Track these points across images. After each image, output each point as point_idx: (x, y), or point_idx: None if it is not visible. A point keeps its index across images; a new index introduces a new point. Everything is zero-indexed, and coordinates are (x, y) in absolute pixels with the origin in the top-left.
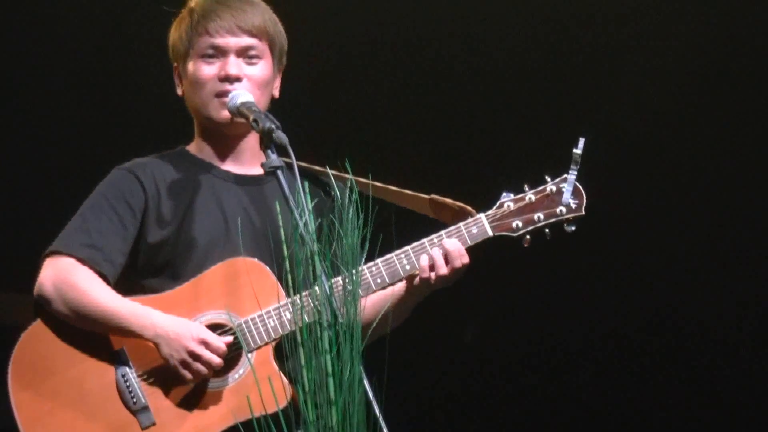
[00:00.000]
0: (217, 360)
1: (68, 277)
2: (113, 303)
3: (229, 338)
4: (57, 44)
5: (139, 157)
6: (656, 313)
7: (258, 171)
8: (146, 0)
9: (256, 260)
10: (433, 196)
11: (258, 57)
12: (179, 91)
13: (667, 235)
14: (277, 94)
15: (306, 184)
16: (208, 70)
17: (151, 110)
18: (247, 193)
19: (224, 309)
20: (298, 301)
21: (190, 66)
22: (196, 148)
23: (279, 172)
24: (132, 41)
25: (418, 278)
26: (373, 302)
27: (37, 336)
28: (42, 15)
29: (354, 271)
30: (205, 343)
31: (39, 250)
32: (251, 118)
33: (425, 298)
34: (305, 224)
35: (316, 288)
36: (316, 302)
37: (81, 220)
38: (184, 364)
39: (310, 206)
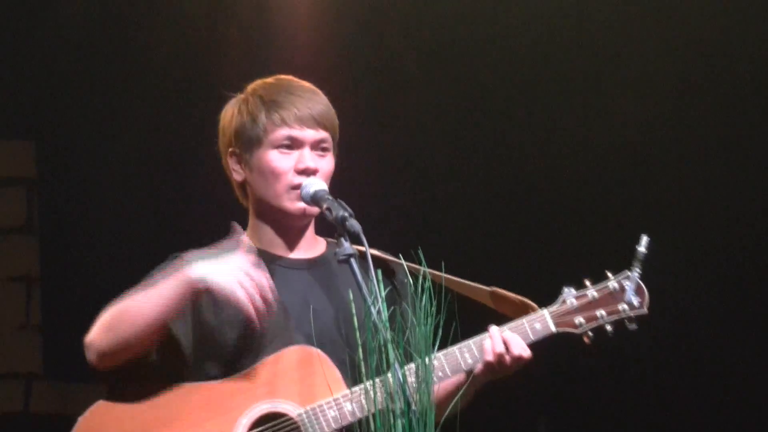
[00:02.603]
0: (264, 281)
1: (105, 314)
2: (151, 288)
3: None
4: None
5: (195, 249)
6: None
7: (317, 252)
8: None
9: (318, 350)
10: (494, 288)
11: (328, 149)
12: (238, 177)
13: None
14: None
15: (379, 272)
16: (285, 162)
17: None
18: (306, 277)
19: (285, 398)
20: (371, 388)
21: (263, 156)
22: (252, 237)
23: (352, 260)
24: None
25: (479, 366)
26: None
27: (98, 414)
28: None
29: (428, 359)
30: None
31: None
32: (325, 206)
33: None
34: (378, 312)
35: (388, 376)
36: (389, 389)
37: (131, 300)
38: (240, 283)
39: (383, 294)
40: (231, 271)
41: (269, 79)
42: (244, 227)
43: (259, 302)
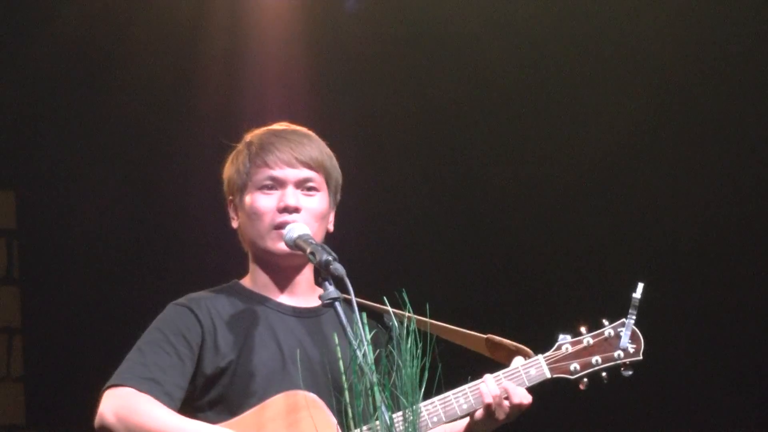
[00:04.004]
0: None
1: (129, 403)
2: (178, 423)
3: None
4: (107, 186)
5: (193, 292)
6: None
7: (313, 303)
8: (195, 136)
9: (313, 396)
10: (489, 335)
11: (315, 189)
12: (234, 224)
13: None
14: (331, 228)
15: (363, 315)
16: (267, 201)
17: (204, 245)
18: (304, 325)
19: None
20: None
21: (248, 198)
22: (250, 281)
23: (336, 304)
24: (178, 173)
25: (479, 412)
26: None
27: None
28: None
29: (413, 402)
30: None
31: (95, 388)
32: (308, 250)
33: None
34: (364, 355)
35: (377, 422)
36: None
37: (139, 355)
38: None
39: (368, 337)
40: None
41: (264, 127)
42: (245, 272)
43: None
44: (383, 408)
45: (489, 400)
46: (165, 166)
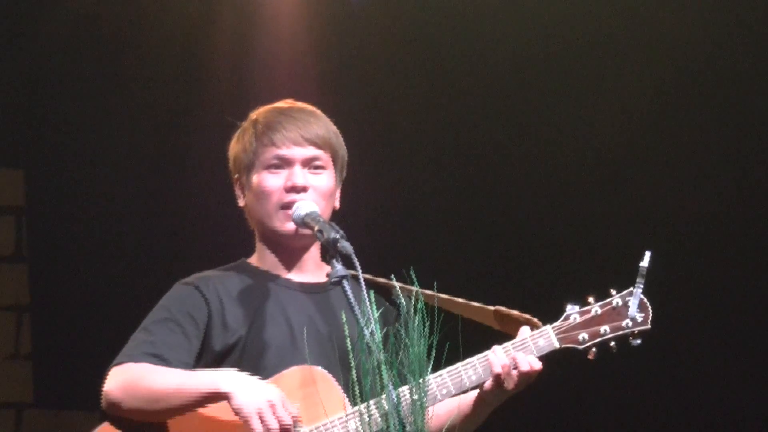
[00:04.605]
0: (288, 420)
1: (133, 373)
2: (184, 373)
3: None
4: (116, 165)
5: (200, 272)
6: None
7: (320, 279)
8: (201, 111)
9: (323, 370)
10: (498, 307)
11: (323, 167)
12: (241, 203)
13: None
14: (338, 205)
15: (371, 293)
16: (274, 181)
17: (210, 224)
18: (312, 301)
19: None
20: (365, 411)
21: (255, 177)
22: (258, 259)
23: (344, 282)
24: (187, 152)
25: (488, 382)
26: (439, 415)
27: None
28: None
29: (421, 380)
30: (284, 400)
31: (103, 366)
32: (316, 228)
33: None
34: (371, 334)
35: (383, 397)
36: (383, 411)
37: (145, 333)
38: (260, 413)
39: (376, 315)
40: (260, 399)
41: (269, 105)
42: (253, 250)
43: None
44: (390, 386)
45: (498, 369)
46: (173, 144)
